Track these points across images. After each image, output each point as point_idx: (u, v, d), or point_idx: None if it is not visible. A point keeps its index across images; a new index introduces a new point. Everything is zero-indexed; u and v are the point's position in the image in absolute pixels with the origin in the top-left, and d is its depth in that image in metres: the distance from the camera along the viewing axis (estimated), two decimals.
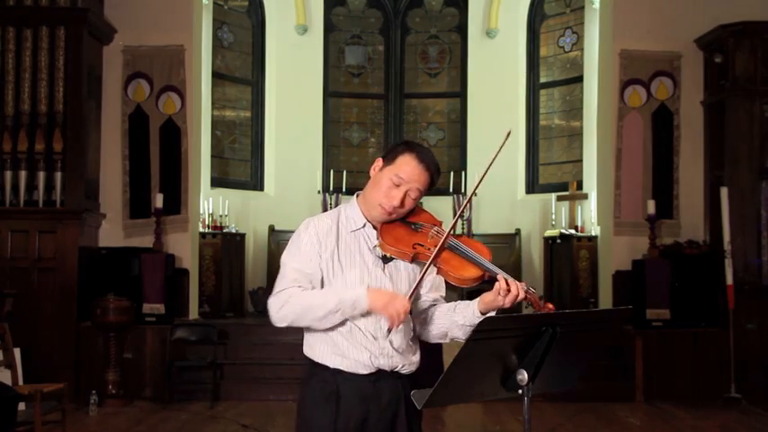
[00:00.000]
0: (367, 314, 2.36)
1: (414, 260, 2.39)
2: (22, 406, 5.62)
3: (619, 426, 6.53)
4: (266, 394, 7.41)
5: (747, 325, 7.49)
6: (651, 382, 7.57)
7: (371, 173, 2.47)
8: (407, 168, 2.39)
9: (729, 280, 7.32)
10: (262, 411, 6.90)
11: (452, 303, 2.49)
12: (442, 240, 2.35)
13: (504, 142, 2.42)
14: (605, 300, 8.38)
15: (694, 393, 7.52)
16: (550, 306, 2.30)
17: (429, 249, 2.34)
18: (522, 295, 2.28)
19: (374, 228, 2.45)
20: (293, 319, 2.34)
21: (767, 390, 7.31)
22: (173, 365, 7.35)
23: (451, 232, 2.39)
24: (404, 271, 2.45)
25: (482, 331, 1.99)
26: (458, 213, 2.65)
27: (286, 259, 2.42)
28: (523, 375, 2.10)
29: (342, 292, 2.32)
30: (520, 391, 2.12)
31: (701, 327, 7.71)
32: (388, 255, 2.39)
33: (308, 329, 2.47)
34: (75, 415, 6.56)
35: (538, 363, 2.10)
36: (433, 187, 2.50)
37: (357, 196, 2.52)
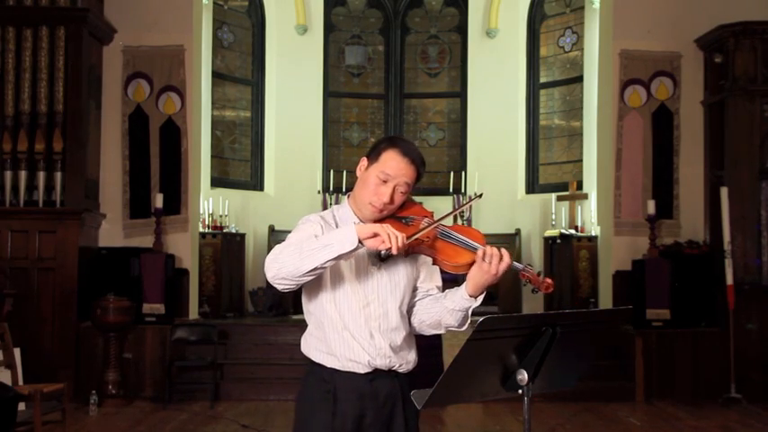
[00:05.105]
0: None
1: (408, 253, 2.38)
2: (22, 406, 5.62)
3: (619, 426, 6.52)
4: (266, 394, 7.42)
5: (747, 325, 7.49)
6: (651, 382, 7.58)
7: (358, 173, 2.47)
8: (392, 164, 2.37)
9: (729, 280, 7.31)
10: (262, 411, 6.91)
11: (444, 291, 2.48)
12: (434, 222, 2.36)
13: (473, 199, 2.46)
14: (605, 300, 8.39)
15: (694, 393, 7.53)
16: (549, 281, 2.29)
17: (423, 241, 2.34)
18: (506, 260, 2.25)
19: None
20: (285, 260, 2.23)
21: (767, 390, 7.31)
22: (173, 365, 7.35)
23: (442, 221, 2.39)
24: (401, 266, 2.45)
25: (482, 331, 1.99)
26: (439, 218, 2.48)
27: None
28: (523, 375, 2.10)
29: (333, 232, 2.28)
30: (520, 391, 2.12)
31: (701, 327, 7.71)
32: (383, 253, 2.39)
33: (310, 332, 2.47)
34: (75, 415, 6.55)
35: (538, 363, 2.11)
36: (420, 179, 2.48)
37: (348, 197, 2.52)
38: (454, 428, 6.47)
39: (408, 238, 2.25)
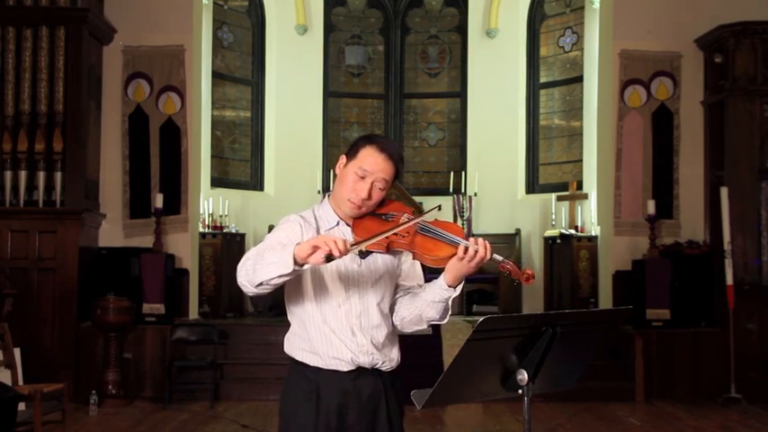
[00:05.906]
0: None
1: (389, 249, 2.39)
2: (22, 406, 5.62)
3: (619, 426, 6.53)
4: (266, 394, 7.40)
5: (747, 325, 7.49)
6: (651, 382, 7.58)
7: (336, 171, 2.49)
8: (370, 160, 2.40)
9: (729, 280, 7.32)
10: (262, 411, 6.90)
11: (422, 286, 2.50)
12: (414, 219, 2.38)
13: (431, 210, 2.46)
14: (605, 300, 8.39)
15: (694, 393, 7.53)
16: (530, 272, 2.30)
17: (402, 236, 2.35)
18: (486, 255, 2.25)
19: (347, 225, 2.46)
20: (246, 268, 2.25)
21: (767, 390, 7.31)
22: (173, 365, 7.35)
23: (422, 216, 2.41)
24: (381, 263, 2.46)
25: (482, 331, 1.99)
26: (419, 217, 2.47)
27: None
28: (523, 375, 2.10)
29: (280, 251, 2.23)
30: (520, 391, 2.13)
31: (700, 327, 7.72)
32: (364, 249, 2.38)
33: (293, 331, 2.49)
34: (75, 415, 6.56)
35: (538, 363, 2.11)
36: (399, 176, 2.49)
37: (328, 196, 2.53)
38: (454, 428, 6.47)
39: (354, 244, 2.21)
